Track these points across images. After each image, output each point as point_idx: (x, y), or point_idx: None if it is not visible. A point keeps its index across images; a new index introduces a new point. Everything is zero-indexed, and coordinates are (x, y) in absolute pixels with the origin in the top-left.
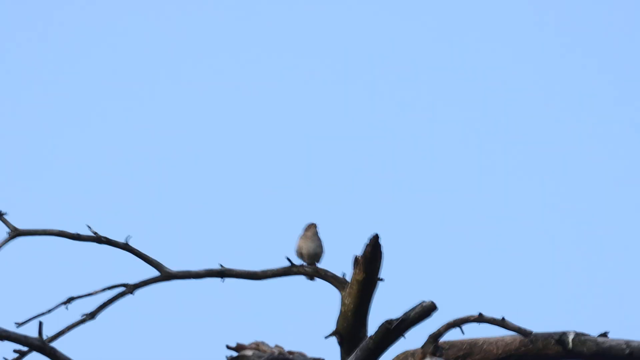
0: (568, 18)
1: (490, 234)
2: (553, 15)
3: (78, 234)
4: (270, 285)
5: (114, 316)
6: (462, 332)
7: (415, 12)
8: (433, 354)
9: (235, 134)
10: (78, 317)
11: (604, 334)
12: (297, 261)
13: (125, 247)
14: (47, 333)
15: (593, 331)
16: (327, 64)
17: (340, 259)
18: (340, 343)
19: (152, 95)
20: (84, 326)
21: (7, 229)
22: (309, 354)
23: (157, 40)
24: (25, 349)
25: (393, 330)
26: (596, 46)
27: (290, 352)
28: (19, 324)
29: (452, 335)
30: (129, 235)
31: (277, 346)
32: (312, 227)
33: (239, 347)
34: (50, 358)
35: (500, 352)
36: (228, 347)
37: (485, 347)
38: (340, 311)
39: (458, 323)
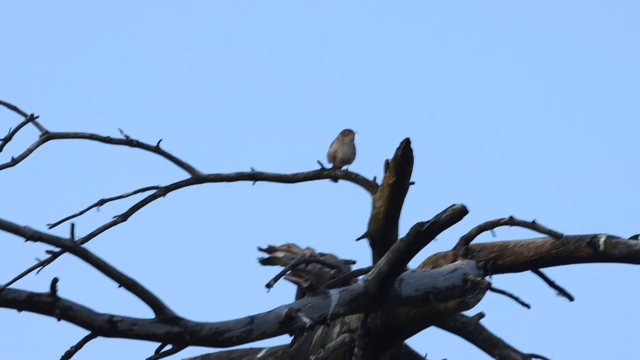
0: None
1: (521, 136)
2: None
3: (109, 137)
4: (301, 188)
5: (145, 218)
6: (493, 235)
7: None
8: (464, 256)
9: (269, 35)
10: (110, 219)
11: (635, 237)
12: (328, 165)
13: (157, 150)
14: (79, 235)
15: (624, 233)
16: None
17: (371, 164)
18: (372, 245)
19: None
20: (116, 228)
21: (39, 132)
22: (341, 256)
23: None
24: (57, 250)
25: (424, 232)
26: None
27: (321, 254)
28: (51, 226)
29: (483, 238)
30: (160, 139)
31: (308, 248)
32: (349, 134)
33: (270, 249)
34: (81, 259)
35: (531, 254)
36: (259, 249)
37: (516, 249)
38: (372, 214)
39: (489, 226)
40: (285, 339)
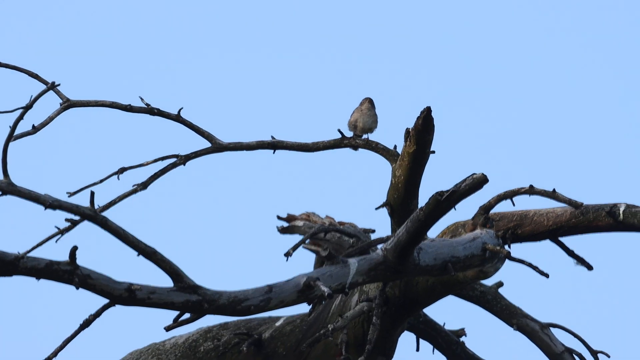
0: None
1: (540, 107)
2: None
3: (130, 105)
4: (321, 157)
5: (165, 187)
6: (513, 204)
7: None
8: (483, 225)
9: (288, 5)
10: (130, 188)
11: None
12: (349, 134)
13: (177, 118)
14: (99, 203)
15: None
16: None
17: (392, 133)
18: (391, 214)
19: None
20: (136, 196)
21: (59, 100)
22: (360, 225)
23: None
24: (76, 218)
25: (444, 201)
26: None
27: (340, 223)
28: (71, 194)
29: (503, 207)
30: (181, 107)
31: (327, 217)
32: (369, 102)
33: (289, 218)
34: (101, 227)
35: (550, 223)
36: (279, 218)
37: (535, 218)
38: (391, 183)
39: (509, 195)
40: (303, 308)
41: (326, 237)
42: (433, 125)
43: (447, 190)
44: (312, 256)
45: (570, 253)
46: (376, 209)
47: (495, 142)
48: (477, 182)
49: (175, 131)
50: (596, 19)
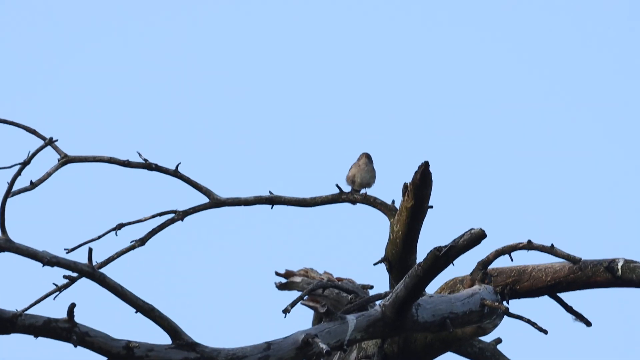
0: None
1: (539, 161)
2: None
3: (128, 161)
4: (319, 212)
5: (163, 243)
6: (511, 259)
7: None
8: (482, 281)
9: (286, 62)
10: (128, 244)
11: None
12: (347, 188)
13: (175, 173)
14: (97, 259)
15: None
16: None
17: (390, 187)
18: (389, 270)
19: (202, 19)
20: (134, 252)
21: (57, 156)
22: (358, 281)
23: None
24: (74, 274)
25: (442, 257)
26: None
27: (339, 279)
28: (69, 250)
29: (501, 262)
30: (179, 162)
31: (325, 273)
32: (366, 157)
33: (288, 274)
34: (99, 284)
35: (549, 279)
36: (277, 274)
37: (534, 274)
38: (389, 238)
39: (507, 250)
40: None
41: (324, 293)
42: (431, 180)
43: (445, 246)
44: (311, 312)
45: (568, 309)
46: (374, 264)
47: (493, 197)
48: (475, 237)
49: (173, 186)
50: (587, 70)
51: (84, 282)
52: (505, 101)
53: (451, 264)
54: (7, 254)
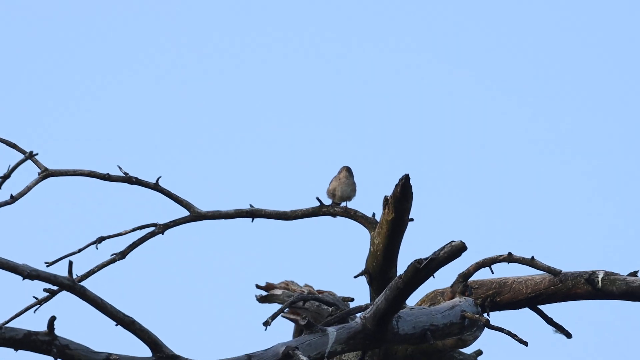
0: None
1: (519, 174)
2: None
3: (108, 174)
4: (300, 225)
5: (144, 256)
6: (492, 272)
7: None
8: (462, 293)
9: (267, 75)
10: (108, 257)
11: (634, 273)
12: (327, 201)
13: (156, 187)
14: (77, 272)
15: (623, 270)
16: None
17: (370, 200)
18: (370, 282)
19: (183, 37)
20: (114, 266)
21: (38, 169)
22: (339, 294)
23: None
24: (55, 288)
25: (422, 269)
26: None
27: (319, 292)
28: (49, 264)
29: (482, 275)
30: (159, 176)
31: (306, 285)
32: (347, 170)
33: (268, 287)
34: (80, 297)
35: (529, 291)
36: (258, 287)
37: (514, 286)
38: (370, 251)
39: (487, 262)
40: None
41: (305, 306)
42: (411, 193)
43: (426, 258)
44: (291, 325)
45: (549, 321)
46: (355, 277)
47: (474, 210)
48: (456, 250)
49: (154, 200)
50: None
51: (65, 295)
52: (485, 114)
53: (432, 277)
54: None
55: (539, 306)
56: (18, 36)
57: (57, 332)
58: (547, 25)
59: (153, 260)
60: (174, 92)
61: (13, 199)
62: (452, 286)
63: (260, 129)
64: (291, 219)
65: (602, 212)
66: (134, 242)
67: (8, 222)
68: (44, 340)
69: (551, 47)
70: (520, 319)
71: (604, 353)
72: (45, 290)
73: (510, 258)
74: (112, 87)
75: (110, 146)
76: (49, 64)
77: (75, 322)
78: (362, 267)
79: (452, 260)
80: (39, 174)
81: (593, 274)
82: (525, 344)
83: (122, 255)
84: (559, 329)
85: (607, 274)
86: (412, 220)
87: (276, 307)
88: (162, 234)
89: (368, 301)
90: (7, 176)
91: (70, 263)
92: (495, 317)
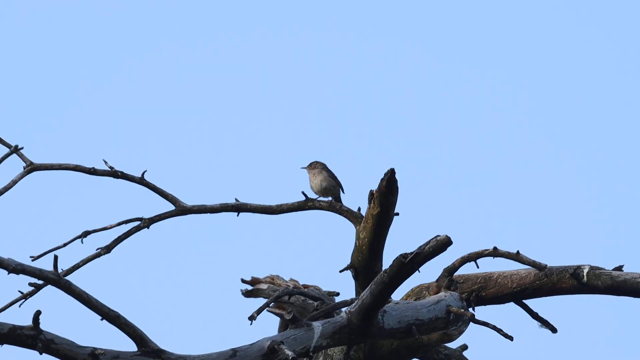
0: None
1: (505, 168)
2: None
3: (94, 169)
4: (285, 219)
5: (129, 250)
6: (477, 266)
7: None
8: (447, 288)
9: (252, 70)
10: (93, 251)
11: (619, 268)
12: (313, 195)
13: (141, 181)
14: (63, 267)
15: (608, 265)
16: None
17: (356, 195)
18: (355, 277)
19: (172, 31)
20: (99, 260)
21: (23, 163)
22: (324, 288)
23: None
24: (40, 282)
25: (408, 264)
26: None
27: (305, 286)
28: (34, 258)
29: (467, 269)
30: (144, 170)
31: (292, 280)
32: (314, 165)
33: (254, 281)
34: (65, 291)
35: (514, 285)
36: (243, 281)
37: (499, 280)
38: (355, 245)
39: (473, 257)
40: None
41: (290, 300)
42: (397, 187)
43: (411, 253)
44: (277, 319)
45: (534, 315)
46: (340, 271)
47: (459, 204)
48: (441, 244)
49: (139, 194)
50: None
51: (50, 289)
52: (470, 109)
53: (417, 271)
54: None
55: (524, 301)
56: (0, 31)
57: (43, 326)
58: (541, 25)
59: (139, 254)
60: (160, 87)
61: None
62: (437, 280)
63: (246, 123)
64: (277, 213)
65: (587, 206)
66: (119, 237)
67: None
68: (29, 335)
69: (537, 46)
70: (506, 314)
71: (589, 348)
72: (30, 284)
73: (495, 252)
74: (97, 81)
75: (96, 140)
76: (33, 58)
77: (61, 316)
78: (348, 261)
79: (438, 254)
80: (24, 168)
81: (578, 268)
82: (511, 338)
83: (107, 249)
84: (544, 323)
85: (592, 268)
86: (397, 214)
87: (262, 301)
88: (148, 228)
89: (353, 295)
90: None
91: (56, 257)
92: (481, 312)
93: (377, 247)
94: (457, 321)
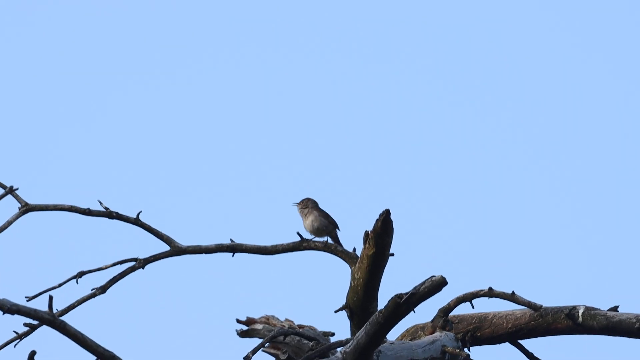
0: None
1: (500, 209)
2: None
3: (89, 209)
4: (280, 259)
5: (124, 290)
6: (472, 306)
7: None
8: (443, 328)
9: (247, 108)
10: (88, 292)
11: (614, 308)
12: (308, 236)
13: (136, 222)
14: (58, 307)
15: (603, 305)
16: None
17: (351, 235)
18: (350, 317)
19: (163, 71)
20: (95, 300)
21: (18, 204)
22: (319, 328)
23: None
24: (35, 322)
25: (403, 304)
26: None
27: (300, 326)
28: (30, 298)
29: (462, 309)
30: (140, 211)
31: (287, 320)
32: (305, 202)
33: (249, 321)
34: (60, 331)
35: (510, 326)
36: (238, 321)
37: (495, 321)
38: (351, 285)
39: (468, 297)
40: None
41: (285, 341)
42: (392, 228)
43: (407, 293)
44: None
45: (529, 356)
46: (335, 311)
47: (454, 245)
48: (437, 285)
49: (134, 235)
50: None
51: (45, 329)
52: (466, 149)
53: (412, 311)
54: None
55: (519, 341)
56: None
57: None
58: (531, 50)
59: (134, 294)
60: (154, 127)
61: None
62: (432, 321)
63: (241, 161)
64: (272, 254)
65: (582, 246)
66: (114, 277)
67: None
68: None
69: (517, 75)
70: (501, 354)
71: None
72: (25, 324)
73: (490, 293)
74: (92, 122)
75: (91, 180)
76: (28, 97)
77: (56, 356)
78: (343, 301)
79: (433, 294)
80: (19, 209)
81: (573, 308)
82: None
83: (102, 289)
84: None
85: (587, 309)
86: (392, 255)
87: (257, 341)
88: (143, 268)
89: (349, 336)
90: None
91: (51, 298)
92: (476, 352)
93: (373, 288)
94: None
